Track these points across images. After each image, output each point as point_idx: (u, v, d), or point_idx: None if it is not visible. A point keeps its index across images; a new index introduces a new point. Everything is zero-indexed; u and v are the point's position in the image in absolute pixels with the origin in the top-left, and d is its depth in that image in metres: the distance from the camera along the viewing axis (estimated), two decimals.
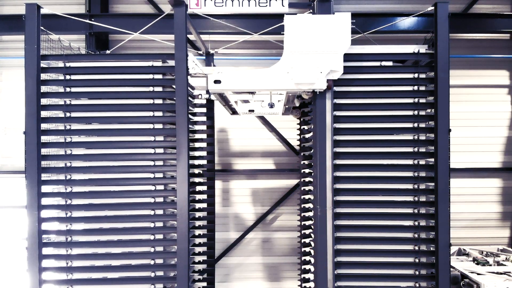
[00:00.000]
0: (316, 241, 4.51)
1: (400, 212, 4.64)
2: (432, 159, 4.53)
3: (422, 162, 4.60)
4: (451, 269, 5.20)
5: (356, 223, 4.64)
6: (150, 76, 4.58)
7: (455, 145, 7.61)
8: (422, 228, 4.59)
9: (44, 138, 4.49)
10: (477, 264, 5.64)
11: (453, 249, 6.46)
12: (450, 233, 4.48)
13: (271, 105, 5.72)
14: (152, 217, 4.58)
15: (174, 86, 4.47)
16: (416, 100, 4.61)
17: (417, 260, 4.56)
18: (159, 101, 4.61)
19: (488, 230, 7.68)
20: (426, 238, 4.58)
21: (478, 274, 5.21)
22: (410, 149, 4.63)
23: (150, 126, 4.59)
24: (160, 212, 4.61)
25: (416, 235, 4.58)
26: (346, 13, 4.25)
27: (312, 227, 4.75)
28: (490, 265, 5.62)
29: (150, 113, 4.59)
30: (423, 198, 4.62)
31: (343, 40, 4.24)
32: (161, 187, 4.63)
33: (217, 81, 4.35)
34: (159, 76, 4.59)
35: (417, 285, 4.54)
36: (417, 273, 4.57)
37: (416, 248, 4.57)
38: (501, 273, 5.25)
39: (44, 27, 4.52)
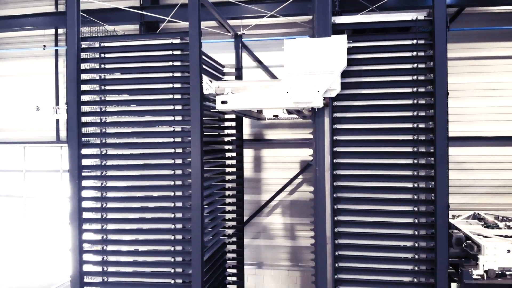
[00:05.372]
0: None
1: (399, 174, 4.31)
2: (432, 152, 4.16)
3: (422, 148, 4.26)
4: (457, 231, 4.78)
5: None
6: (170, 52, 4.60)
7: (475, 115, 7.03)
8: (421, 189, 4.22)
9: (83, 108, 4.70)
10: (486, 227, 5.14)
11: (468, 213, 5.93)
12: (448, 196, 4.07)
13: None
14: (172, 188, 4.68)
15: None
16: (415, 75, 4.24)
17: (416, 221, 4.24)
18: (178, 74, 4.62)
19: (509, 197, 6.98)
20: (426, 200, 4.22)
21: (484, 236, 4.73)
22: (409, 137, 4.27)
23: (170, 96, 4.64)
24: (179, 183, 4.67)
25: (415, 197, 4.24)
26: (342, 35, 4.04)
27: None
28: (500, 228, 5.09)
29: (170, 85, 4.63)
30: (422, 161, 4.24)
31: (339, 60, 4.01)
32: (179, 161, 4.66)
33: (224, 102, 4.29)
34: (178, 52, 4.60)
35: (416, 244, 4.22)
36: (416, 233, 4.25)
37: (415, 209, 4.24)
38: (509, 236, 4.73)
39: (102, 20, 4.69)
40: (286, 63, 4.12)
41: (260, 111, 6.50)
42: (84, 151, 4.70)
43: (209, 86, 4.44)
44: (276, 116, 6.65)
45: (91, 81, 4.77)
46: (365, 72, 4.31)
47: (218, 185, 5.95)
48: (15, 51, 8.57)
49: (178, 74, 4.63)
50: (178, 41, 4.60)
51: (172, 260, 4.61)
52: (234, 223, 6.43)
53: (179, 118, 4.62)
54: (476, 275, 4.18)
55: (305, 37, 4.24)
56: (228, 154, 6.38)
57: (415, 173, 4.26)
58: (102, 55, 4.76)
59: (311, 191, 4.39)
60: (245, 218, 7.34)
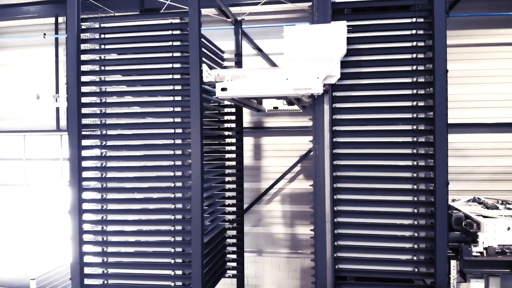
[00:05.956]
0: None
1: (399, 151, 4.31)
2: (432, 135, 4.17)
3: (421, 139, 4.27)
4: (456, 211, 4.77)
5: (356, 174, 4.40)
6: (170, 32, 4.60)
7: (474, 102, 7.04)
8: (420, 167, 4.23)
9: (83, 89, 4.71)
10: (486, 208, 5.13)
11: (468, 197, 5.92)
12: (447, 174, 4.07)
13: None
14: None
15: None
16: (414, 54, 4.25)
17: (415, 199, 4.25)
18: (178, 54, 4.62)
19: (508, 183, 6.98)
20: (425, 178, 4.23)
21: (484, 216, 4.71)
22: (409, 115, 4.29)
23: (170, 76, 4.65)
24: (179, 163, 4.67)
25: (415, 175, 4.24)
26: (341, 21, 4.05)
27: None
28: (499, 210, 5.08)
29: (169, 65, 4.64)
30: (421, 139, 4.25)
31: (339, 47, 4.04)
32: (179, 141, 4.69)
33: (224, 89, 4.30)
34: (177, 32, 4.61)
35: (416, 222, 4.24)
36: (415, 211, 4.25)
37: (415, 187, 4.26)
38: (510, 216, 4.72)
39: (105, 6, 4.66)
40: (286, 49, 4.13)
41: (260, 102, 6.50)
42: (85, 132, 4.70)
43: (208, 73, 4.44)
44: (276, 108, 6.76)
45: (91, 61, 4.78)
46: (365, 50, 4.31)
47: (218, 170, 5.95)
48: (15, 40, 8.58)
49: (178, 54, 4.64)
50: (177, 21, 4.61)
51: (172, 239, 4.63)
52: (234, 209, 6.43)
53: (178, 98, 4.63)
54: (476, 252, 4.18)
55: (305, 23, 4.24)
56: (228, 142, 6.39)
57: (415, 151, 4.26)
58: (102, 36, 4.77)
59: (310, 184, 4.40)
60: (245, 205, 7.34)
